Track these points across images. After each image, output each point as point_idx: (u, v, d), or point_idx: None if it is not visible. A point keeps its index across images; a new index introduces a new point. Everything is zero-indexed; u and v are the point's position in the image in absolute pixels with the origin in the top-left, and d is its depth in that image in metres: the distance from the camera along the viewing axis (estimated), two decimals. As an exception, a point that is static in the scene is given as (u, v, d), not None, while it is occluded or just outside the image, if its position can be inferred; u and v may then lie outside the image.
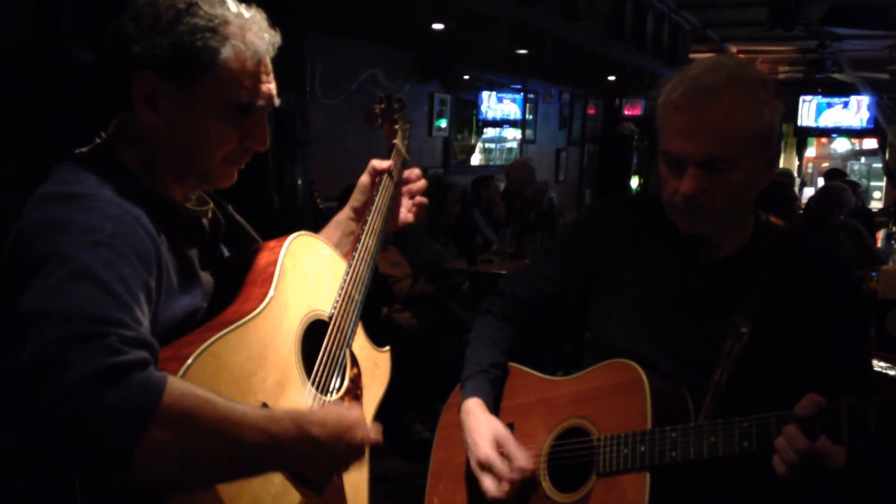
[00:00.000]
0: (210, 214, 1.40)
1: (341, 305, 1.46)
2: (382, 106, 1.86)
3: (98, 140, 1.30)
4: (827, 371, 1.46)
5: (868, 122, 12.47)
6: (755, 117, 1.44)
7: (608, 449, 1.47)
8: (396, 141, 1.80)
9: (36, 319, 0.99)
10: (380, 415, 1.43)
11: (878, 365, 2.37)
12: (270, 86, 1.31)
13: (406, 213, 1.74)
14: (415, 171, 1.77)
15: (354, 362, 1.47)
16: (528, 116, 9.95)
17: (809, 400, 1.30)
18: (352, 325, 1.46)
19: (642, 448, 1.42)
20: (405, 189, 1.75)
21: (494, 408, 1.65)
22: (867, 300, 2.61)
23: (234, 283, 1.36)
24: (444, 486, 1.70)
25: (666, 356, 1.53)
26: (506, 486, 1.51)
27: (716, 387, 1.48)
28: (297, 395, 1.30)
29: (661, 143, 1.50)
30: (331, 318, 1.43)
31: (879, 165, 14.09)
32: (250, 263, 1.39)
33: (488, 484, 1.52)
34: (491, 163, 9.35)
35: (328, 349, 1.40)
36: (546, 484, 1.55)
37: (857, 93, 12.11)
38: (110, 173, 1.21)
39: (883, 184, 14.08)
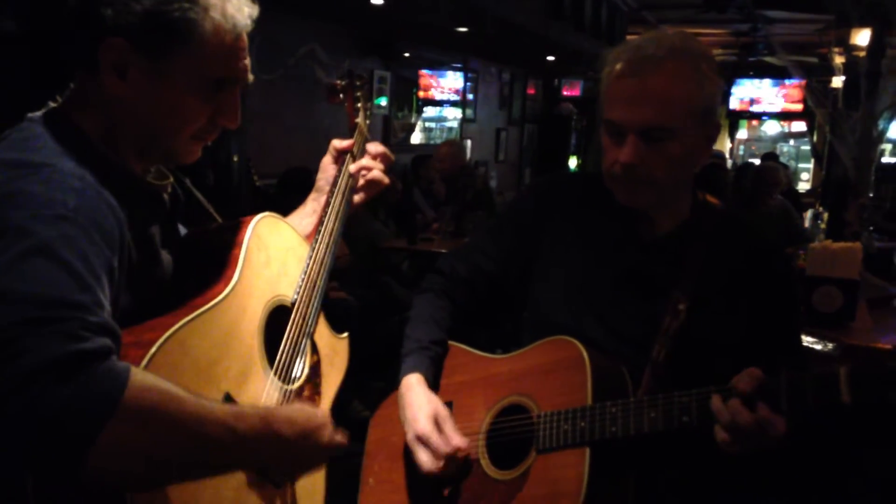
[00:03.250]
0: (170, 189, 1.33)
1: (304, 291, 1.42)
2: (344, 82, 1.81)
3: (52, 104, 1.20)
4: (760, 347, 1.49)
5: (798, 105, 12.82)
6: (696, 89, 1.45)
7: (548, 425, 1.47)
8: (359, 120, 1.75)
9: None
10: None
11: (806, 340, 2.44)
12: (246, 61, 1.25)
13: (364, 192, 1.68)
14: (375, 148, 1.70)
15: (315, 349, 1.44)
16: (469, 95, 9.94)
17: (748, 373, 1.31)
18: (314, 311, 1.43)
19: (582, 424, 1.43)
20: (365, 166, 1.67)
21: (434, 384, 1.63)
22: (797, 279, 2.69)
23: (197, 265, 1.29)
24: (380, 465, 1.68)
25: (605, 332, 1.54)
26: (440, 462, 1.50)
27: (654, 363, 1.49)
28: (259, 385, 1.26)
29: (604, 112, 1.51)
30: (293, 304, 1.39)
31: (808, 148, 14.52)
32: (213, 244, 1.33)
33: (424, 458, 1.50)
34: (431, 142, 9.32)
35: (290, 337, 1.36)
36: (485, 461, 1.54)
37: (789, 76, 12.43)
38: (69, 141, 1.12)
39: (811, 166, 14.52)
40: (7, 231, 0.96)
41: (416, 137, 9.16)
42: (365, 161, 1.67)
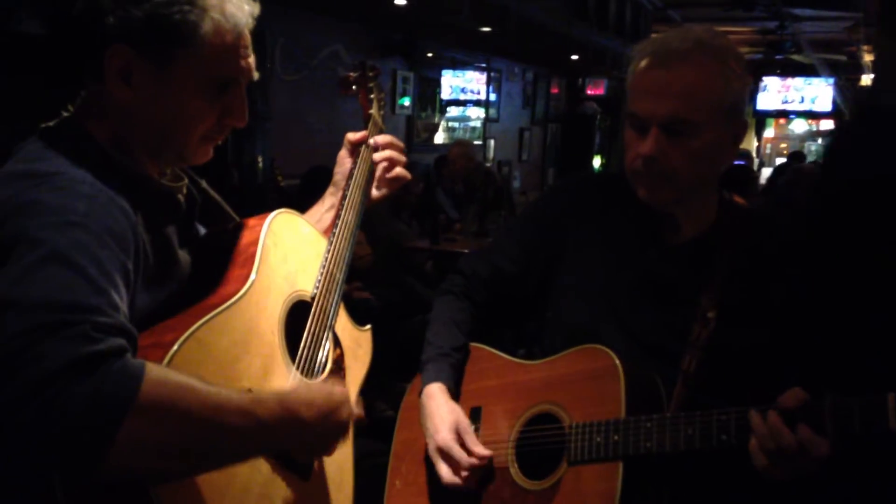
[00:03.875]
0: (185, 191, 1.34)
1: (323, 285, 1.41)
2: (357, 74, 1.80)
3: (65, 114, 1.22)
4: (790, 357, 1.46)
5: (826, 103, 12.66)
6: (722, 84, 1.43)
7: (580, 437, 1.44)
8: (372, 111, 1.74)
9: (3, 309, 0.92)
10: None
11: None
12: (249, 60, 1.25)
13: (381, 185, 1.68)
14: (384, 138, 1.70)
15: (337, 343, 1.44)
16: (492, 96, 9.92)
17: (792, 393, 1.28)
18: (334, 304, 1.42)
19: (616, 437, 1.39)
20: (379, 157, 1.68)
21: (456, 392, 1.62)
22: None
23: (214, 264, 1.30)
24: (407, 467, 1.67)
25: (627, 339, 1.51)
26: (461, 475, 1.49)
27: (685, 374, 1.46)
28: (281, 380, 1.26)
29: (629, 106, 1.49)
30: (313, 298, 1.39)
31: (835, 146, 14.29)
32: (230, 243, 1.33)
33: (444, 471, 1.50)
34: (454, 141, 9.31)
35: (311, 331, 1.36)
36: (514, 470, 1.52)
37: (816, 74, 12.28)
38: (81, 149, 1.14)
39: (839, 165, 14.29)
40: (21, 241, 0.98)
41: (440, 137, 9.15)
42: (383, 153, 1.67)
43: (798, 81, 12.91)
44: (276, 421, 1.08)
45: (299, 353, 1.32)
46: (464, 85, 9.44)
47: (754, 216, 1.58)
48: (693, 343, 1.47)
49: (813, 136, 15.44)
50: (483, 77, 9.64)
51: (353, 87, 1.80)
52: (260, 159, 4.35)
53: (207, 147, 1.28)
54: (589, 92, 12.62)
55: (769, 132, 15.53)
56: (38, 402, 0.87)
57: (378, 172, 1.66)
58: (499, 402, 1.60)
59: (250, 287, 1.24)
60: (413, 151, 8.01)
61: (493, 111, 10.06)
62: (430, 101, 8.79)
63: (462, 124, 9.71)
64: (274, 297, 1.30)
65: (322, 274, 1.43)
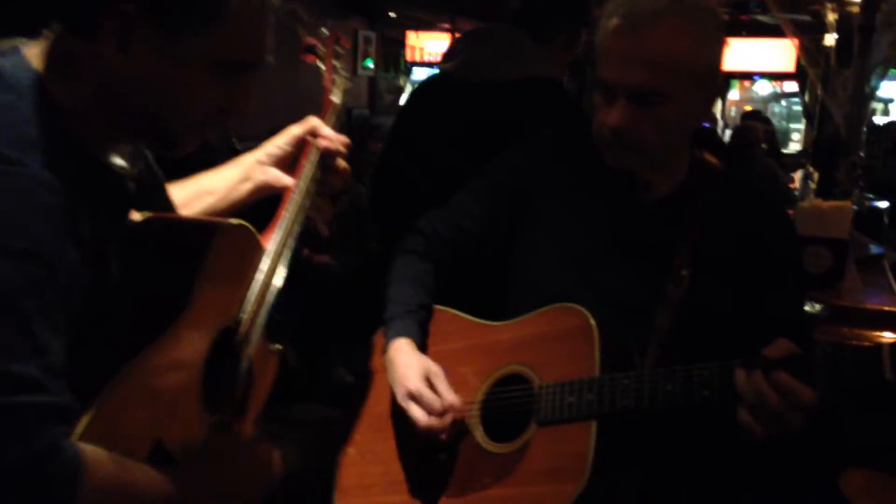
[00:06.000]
0: (136, 176, 1.18)
1: (252, 308, 1.26)
2: (322, 46, 1.64)
3: (18, 54, 1.01)
4: (767, 313, 1.43)
5: (790, 64, 12.69)
6: (697, 48, 1.36)
7: (551, 397, 1.39)
8: (335, 98, 1.58)
9: None
10: (303, 360, 1.33)
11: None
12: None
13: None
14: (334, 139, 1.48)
15: (250, 369, 1.31)
16: (457, 56, 9.79)
17: (779, 344, 1.24)
18: (258, 331, 1.28)
19: (590, 396, 1.34)
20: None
21: (422, 349, 1.56)
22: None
23: (144, 279, 1.12)
24: (362, 435, 1.62)
25: (600, 299, 1.46)
26: (434, 421, 1.42)
27: (659, 333, 1.42)
28: (192, 422, 1.17)
29: (598, 70, 1.42)
30: (238, 324, 1.25)
31: (799, 108, 14.42)
32: (167, 253, 1.16)
33: (417, 414, 1.42)
34: (420, 104, 9.19)
35: (230, 365, 1.24)
36: (479, 433, 1.47)
37: (782, 35, 12.28)
38: (43, 119, 0.96)
39: (802, 126, 14.44)
40: None
41: (404, 100, 9.02)
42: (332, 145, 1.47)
43: (763, 42, 12.91)
44: (206, 492, 1.08)
45: (215, 388, 1.20)
46: (428, 46, 9.30)
47: (725, 174, 1.55)
48: (667, 302, 1.43)
49: (777, 97, 15.53)
50: (448, 38, 9.49)
51: (318, 61, 1.64)
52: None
53: (197, 136, 1.12)
54: (555, 54, 12.48)
55: (734, 94, 15.57)
56: None
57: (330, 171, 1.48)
58: (463, 365, 1.54)
59: (181, 321, 1.09)
60: (377, 114, 7.89)
61: (458, 73, 9.93)
62: (393, 62, 8.65)
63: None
64: (203, 329, 1.16)
65: (253, 295, 1.27)
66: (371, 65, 8.01)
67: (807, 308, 2.24)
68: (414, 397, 1.44)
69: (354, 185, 5.66)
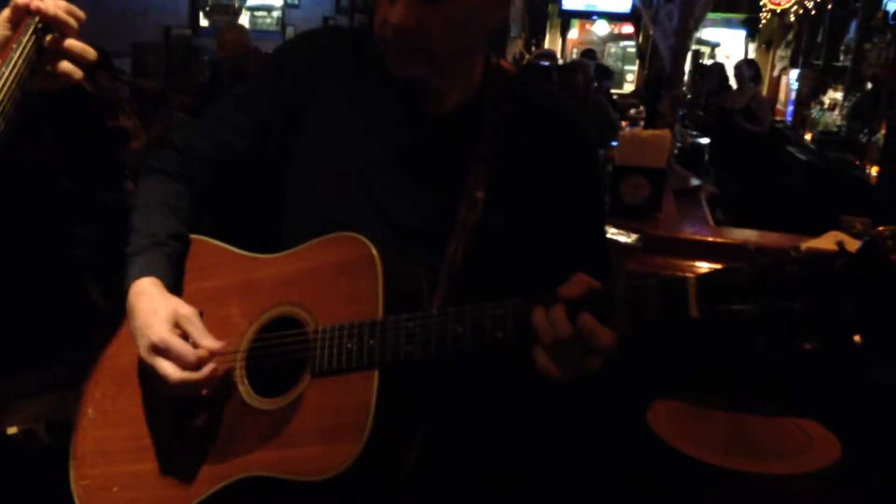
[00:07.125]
0: None
1: None
2: None
3: None
4: (565, 239, 1.32)
5: (626, 5, 13.03)
6: None
7: (328, 343, 1.20)
8: None
9: None
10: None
11: (611, 231, 2.36)
12: None
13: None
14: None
15: None
16: (292, -21, 9.29)
17: (576, 280, 1.11)
18: None
19: (371, 342, 1.17)
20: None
21: (175, 289, 1.31)
22: (602, 165, 2.60)
23: None
24: (103, 391, 1.36)
25: (384, 226, 1.29)
26: (188, 374, 1.19)
27: (450, 263, 1.27)
28: None
29: None
30: None
31: (634, 50, 14.92)
32: None
33: (168, 370, 1.19)
34: (257, 29, 8.62)
35: None
36: (244, 387, 1.25)
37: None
38: None
39: (635, 67, 14.97)
40: None
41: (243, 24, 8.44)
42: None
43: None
44: None
45: None
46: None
47: (523, 85, 1.39)
48: (460, 227, 1.27)
49: (614, 38, 16.04)
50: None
51: None
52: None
53: None
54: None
55: (573, 34, 15.92)
56: None
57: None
58: (225, 306, 1.31)
59: None
60: (200, 36, 7.30)
61: (293, -4, 9.44)
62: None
63: (268, 13, 9.06)
64: None
65: None
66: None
67: (623, 238, 2.18)
68: (160, 350, 1.20)
69: (170, 113, 5.19)
